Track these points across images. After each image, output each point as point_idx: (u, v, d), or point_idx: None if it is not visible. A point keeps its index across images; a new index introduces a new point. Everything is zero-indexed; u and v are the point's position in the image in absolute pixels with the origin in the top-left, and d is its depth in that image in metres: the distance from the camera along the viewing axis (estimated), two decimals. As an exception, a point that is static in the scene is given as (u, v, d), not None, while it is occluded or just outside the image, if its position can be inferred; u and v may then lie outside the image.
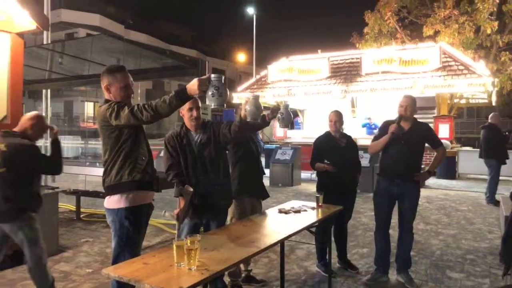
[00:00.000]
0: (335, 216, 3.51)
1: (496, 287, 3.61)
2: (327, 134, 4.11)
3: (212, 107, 2.27)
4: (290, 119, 3.09)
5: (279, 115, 2.99)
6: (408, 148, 3.59)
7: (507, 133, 7.37)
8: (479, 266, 4.20)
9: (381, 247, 3.80)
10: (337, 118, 4.02)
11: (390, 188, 3.67)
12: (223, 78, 2.27)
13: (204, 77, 2.23)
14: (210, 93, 2.24)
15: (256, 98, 2.68)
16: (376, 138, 3.78)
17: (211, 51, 40.77)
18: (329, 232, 3.81)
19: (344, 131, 4.21)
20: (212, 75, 2.25)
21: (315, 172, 4.17)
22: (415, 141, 3.62)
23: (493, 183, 7.41)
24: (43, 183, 8.27)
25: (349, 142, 4.12)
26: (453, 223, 6.09)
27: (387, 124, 3.70)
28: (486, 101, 13.76)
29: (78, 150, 15.54)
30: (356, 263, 4.17)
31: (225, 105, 2.32)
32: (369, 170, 8.46)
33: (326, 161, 3.90)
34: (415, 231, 3.84)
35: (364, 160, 7.90)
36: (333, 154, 3.94)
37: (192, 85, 2.19)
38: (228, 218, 3.48)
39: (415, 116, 3.72)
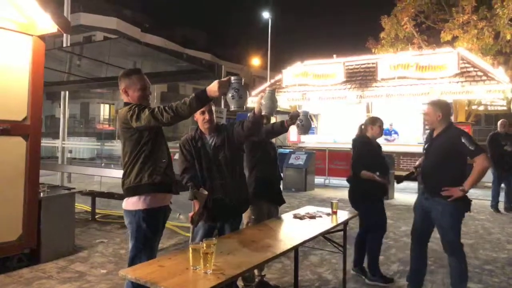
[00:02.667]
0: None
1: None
2: (368, 138, 4.01)
3: (232, 109, 2.28)
4: (309, 127, 3.08)
5: (298, 121, 2.97)
6: (432, 159, 3.35)
7: (505, 145, 7.17)
8: (497, 277, 4.10)
9: (414, 265, 3.54)
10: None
11: (422, 201, 3.45)
12: (243, 80, 2.28)
13: (224, 79, 2.24)
14: (230, 95, 2.24)
15: (272, 92, 2.66)
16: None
17: (226, 55, 40.97)
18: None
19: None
20: (232, 78, 2.26)
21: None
22: (437, 152, 3.31)
23: (493, 190, 7.57)
24: (59, 183, 8.42)
25: (381, 150, 4.13)
26: (470, 232, 5.97)
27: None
28: (505, 108, 13.48)
29: (93, 151, 15.75)
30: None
31: (245, 107, 2.31)
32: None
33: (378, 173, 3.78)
34: (432, 240, 3.73)
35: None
36: (377, 162, 3.92)
37: (213, 87, 2.21)
38: (244, 222, 3.48)
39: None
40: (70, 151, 10.72)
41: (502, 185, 7.56)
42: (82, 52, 6.60)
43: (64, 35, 9.48)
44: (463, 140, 3.14)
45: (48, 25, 4.02)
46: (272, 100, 2.61)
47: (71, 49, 6.68)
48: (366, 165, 3.81)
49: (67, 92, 9.95)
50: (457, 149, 3.18)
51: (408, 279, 3.63)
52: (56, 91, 10.21)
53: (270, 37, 28.16)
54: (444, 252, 3.40)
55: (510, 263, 4.53)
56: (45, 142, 12.38)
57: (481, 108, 13.66)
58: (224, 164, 3.05)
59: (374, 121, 4.01)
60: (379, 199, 3.98)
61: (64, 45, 8.93)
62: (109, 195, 6.60)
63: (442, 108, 3.33)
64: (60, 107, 10.36)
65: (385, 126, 14.17)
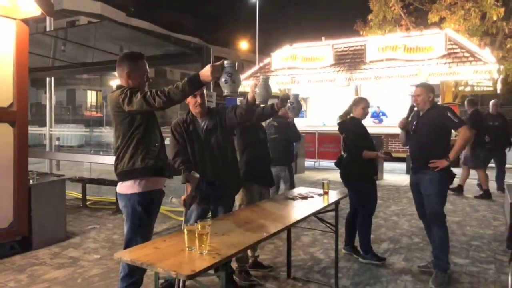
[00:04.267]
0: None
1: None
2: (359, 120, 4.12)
3: (225, 94, 2.26)
4: (300, 109, 3.07)
5: (289, 104, 2.96)
6: (419, 136, 3.56)
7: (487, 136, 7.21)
8: (484, 252, 4.23)
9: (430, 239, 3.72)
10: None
11: (412, 178, 3.71)
12: (236, 65, 2.26)
13: (217, 63, 2.22)
14: (223, 79, 2.22)
15: (266, 80, 2.63)
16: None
17: (213, 39, 40.43)
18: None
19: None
20: (225, 62, 2.23)
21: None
22: (425, 127, 3.52)
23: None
24: (48, 171, 8.33)
25: None
26: (458, 210, 6.11)
27: (411, 109, 3.74)
28: (491, 88, 13.64)
29: (82, 138, 15.57)
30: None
31: (238, 92, 2.30)
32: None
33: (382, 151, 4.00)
34: (418, 218, 3.85)
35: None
36: (369, 142, 4.06)
37: (206, 71, 2.19)
38: (237, 205, 3.51)
39: None
40: (58, 139, 10.56)
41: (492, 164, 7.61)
42: (66, 37, 6.46)
43: (48, 20, 9.23)
44: (448, 114, 3.43)
45: (31, 8, 3.92)
46: (266, 89, 2.60)
47: (55, 34, 6.52)
48: (364, 145, 3.96)
49: (52, 78, 9.76)
50: (443, 122, 3.45)
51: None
52: (41, 77, 10.00)
53: (258, 20, 27.87)
54: (430, 223, 3.57)
55: (496, 239, 4.67)
56: (32, 130, 12.18)
57: (468, 89, 13.80)
58: (216, 148, 3.06)
59: (357, 103, 4.10)
60: (374, 179, 4.13)
61: (48, 29, 8.71)
62: (100, 181, 6.57)
63: (432, 91, 3.57)
64: (45, 93, 10.17)
65: (374, 109, 14.22)
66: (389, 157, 3.97)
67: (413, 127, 3.64)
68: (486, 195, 6.97)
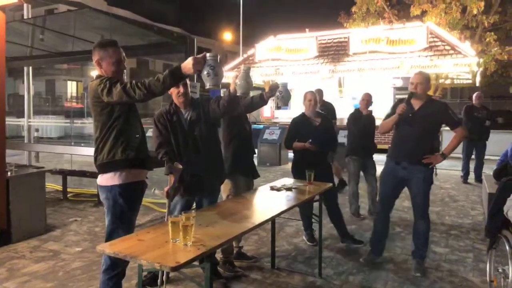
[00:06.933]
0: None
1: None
2: (303, 115, 4.22)
3: (207, 87, 2.23)
4: (289, 98, 3.07)
5: (278, 93, 2.95)
6: (416, 129, 3.35)
7: (479, 116, 7.50)
8: (462, 241, 4.34)
9: (378, 228, 3.71)
10: (314, 97, 4.13)
11: (397, 170, 3.48)
12: (218, 57, 2.22)
13: (199, 55, 2.18)
14: (205, 72, 2.19)
15: (246, 71, 2.62)
16: (388, 117, 3.56)
17: (197, 29, 39.84)
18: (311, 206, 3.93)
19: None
20: (208, 54, 2.20)
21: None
22: (424, 122, 3.36)
23: (463, 162, 7.85)
24: (26, 163, 8.13)
25: (323, 120, 4.21)
26: (437, 201, 6.24)
27: (399, 101, 3.52)
28: (470, 81, 13.90)
29: (62, 130, 15.25)
30: (344, 239, 4.25)
31: (220, 85, 2.27)
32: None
33: (310, 140, 3.95)
34: (400, 209, 3.90)
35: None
36: (308, 134, 4.02)
37: (187, 64, 2.15)
38: (224, 196, 3.49)
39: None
40: (37, 130, 10.31)
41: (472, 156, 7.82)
42: (45, 25, 6.27)
43: (25, 7, 8.91)
44: (449, 111, 3.41)
45: (7, -6, 3.78)
46: (247, 81, 2.58)
47: (33, 21, 6.33)
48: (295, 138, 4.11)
49: (30, 68, 9.47)
50: (442, 119, 3.42)
51: (370, 242, 3.80)
52: (19, 66, 9.70)
53: (242, 11, 27.60)
54: (415, 217, 3.58)
55: (475, 228, 4.79)
56: (10, 121, 11.86)
57: (448, 81, 14.03)
58: (200, 139, 3.04)
59: (304, 97, 4.16)
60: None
61: (25, 17, 8.44)
62: (81, 173, 6.44)
63: (428, 81, 3.44)
64: (23, 84, 9.89)
65: (354, 102, 14.34)
66: (315, 146, 3.90)
67: (409, 118, 3.39)
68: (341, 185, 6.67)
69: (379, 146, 5.78)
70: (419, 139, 3.37)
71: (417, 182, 3.42)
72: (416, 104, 3.41)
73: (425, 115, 3.37)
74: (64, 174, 6.26)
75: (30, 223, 4.33)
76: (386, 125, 3.56)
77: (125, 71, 2.52)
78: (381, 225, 3.71)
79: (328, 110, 6.07)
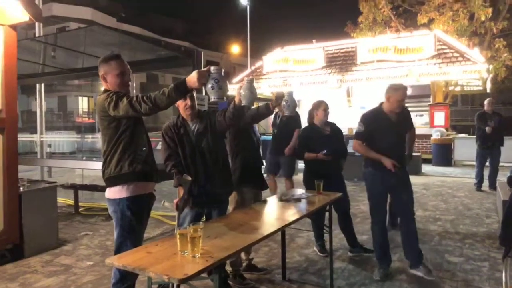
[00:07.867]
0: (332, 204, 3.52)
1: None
2: (312, 124, 4.23)
3: (212, 100, 2.24)
4: (295, 106, 3.07)
5: (283, 102, 2.96)
6: (400, 138, 3.68)
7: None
8: (478, 250, 4.24)
9: (382, 241, 3.66)
10: (328, 107, 4.17)
11: (387, 179, 3.50)
12: (223, 70, 2.24)
13: (203, 69, 2.20)
14: (209, 85, 2.21)
15: (250, 82, 2.64)
16: (362, 135, 3.62)
17: (204, 43, 40.37)
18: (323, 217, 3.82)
19: (341, 121, 4.30)
20: (212, 68, 2.22)
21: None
22: (403, 129, 3.72)
23: (477, 169, 7.72)
24: (39, 178, 8.24)
25: (333, 129, 4.21)
26: (450, 209, 6.14)
27: (373, 118, 3.60)
28: (480, 88, 13.79)
29: (74, 145, 15.44)
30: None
31: (225, 98, 2.28)
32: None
33: (325, 151, 3.94)
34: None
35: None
36: (320, 144, 4.03)
37: (192, 78, 2.17)
38: (230, 208, 3.48)
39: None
40: (49, 146, 10.47)
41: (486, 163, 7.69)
42: (56, 43, 6.41)
43: (37, 26, 9.19)
44: (411, 116, 3.84)
45: (18, 13, 3.87)
46: (251, 91, 2.60)
47: (45, 39, 6.47)
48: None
49: (42, 85, 9.68)
50: (409, 122, 3.79)
51: (377, 257, 3.68)
52: (31, 83, 9.92)
53: (249, 24, 27.87)
54: (406, 222, 3.61)
55: (490, 237, 4.69)
56: (22, 137, 12.06)
57: (458, 89, 13.93)
58: (207, 151, 3.04)
59: (318, 105, 4.17)
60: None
61: (37, 35, 8.65)
62: (92, 188, 6.50)
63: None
64: (36, 100, 10.09)
65: (362, 111, 14.33)
66: (329, 156, 3.90)
67: (388, 129, 3.57)
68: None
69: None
70: (402, 145, 3.73)
71: (405, 183, 3.63)
72: (392, 114, 3.58)
73: (403, 123, 3.69)
74: (76, 188, 6.32)
75: (42, 237, 4.37)
76: (364, 153, 3.66)
77: (132, 84, 2.55)
78: (382, 238, 3.67)
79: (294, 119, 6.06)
